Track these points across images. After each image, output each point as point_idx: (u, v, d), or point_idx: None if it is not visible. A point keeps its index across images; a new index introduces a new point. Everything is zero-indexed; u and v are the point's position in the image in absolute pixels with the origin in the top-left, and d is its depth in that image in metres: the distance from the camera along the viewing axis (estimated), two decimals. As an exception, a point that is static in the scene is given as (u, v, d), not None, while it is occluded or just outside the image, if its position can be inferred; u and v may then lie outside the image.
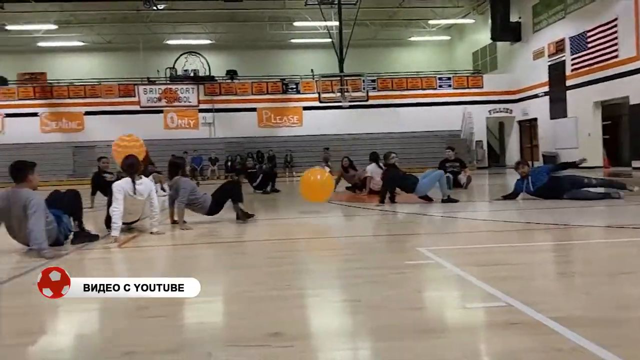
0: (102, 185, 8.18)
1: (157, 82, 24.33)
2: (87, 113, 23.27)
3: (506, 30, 23.35)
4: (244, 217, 6.02)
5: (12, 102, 23.03)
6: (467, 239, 4.63)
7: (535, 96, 22.60)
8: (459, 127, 24.26)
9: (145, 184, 5.31)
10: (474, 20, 26.74)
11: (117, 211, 4.88)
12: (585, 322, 2.12)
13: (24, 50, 26.82)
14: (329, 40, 22.12)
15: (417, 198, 7.59)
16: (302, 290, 2.93)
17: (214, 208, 6.01)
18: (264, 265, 3.66)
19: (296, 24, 25.83)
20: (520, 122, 24.47)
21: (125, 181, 5.14)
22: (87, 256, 4.39)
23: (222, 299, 2.84)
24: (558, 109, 20.89)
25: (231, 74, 25.42)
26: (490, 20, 23.82)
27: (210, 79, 24.67)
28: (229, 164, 21.88)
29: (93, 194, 8.41)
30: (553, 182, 7.29)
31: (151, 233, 5.22)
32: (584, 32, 18.96)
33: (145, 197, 5.23)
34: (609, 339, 1.89)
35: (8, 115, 22.86)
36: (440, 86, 24.87)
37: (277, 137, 23.85)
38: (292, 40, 28.39)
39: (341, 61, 21.21)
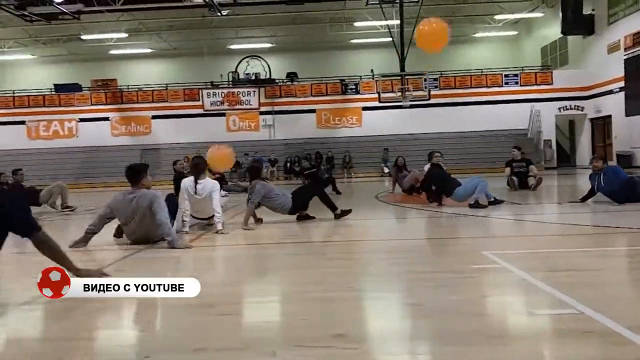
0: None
1: (220, 86, 25.12)
2: (154, 117, 24.49)
3: (578, 23, 22.03)
4: (340, 214, 6.22)
5: (86, 107, 24.65)
6: (534, 243, 4.42)
7: (610, 92, 21.15)
8: (526, 125, 23.20)
9: (206, 184, 5.58)
10: (543, 14, 25.46)
11: (182, 208, 5.31)
12: None
13: (97, 58, 28.69)
14: (390, 39, 21.88)
15: (468, 206, 6.98)
16: (364, 292, 2.92)
17: (295, 208, 6.19)
18: (324, 267, 3.69)
19: (357, 24, 25.79)
20: (592, 119, 23.01)
21: (189, 180, 5.55)
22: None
23: (285, 299, 2.88)
24: (635, 105, 19.41)
25: (291, 76, 25.81)
26: (560, 14, 22.57)
27: (270, 81, 25.17)
28: (288, 165, 22.20)
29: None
30: (628, 183, 6.84)
31: (216, 232, 5.39)
32: (665, 22, 17.54)
33: (204, 196, 5.50)
34: None
35: (82, 119, 24.49)
36: (506, 83, 23.92)
37: (336, 138, 23.91)
38: (352, 41, 28.37)
39: (402, 60, 20.90)
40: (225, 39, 27.88)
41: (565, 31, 22.80)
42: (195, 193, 5.51)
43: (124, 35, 25.85)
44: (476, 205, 6.89)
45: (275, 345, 2.03)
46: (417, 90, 21.24)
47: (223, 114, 24.36)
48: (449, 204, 7.26)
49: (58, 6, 20.02)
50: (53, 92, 25.09)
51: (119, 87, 25.71)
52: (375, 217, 6.91)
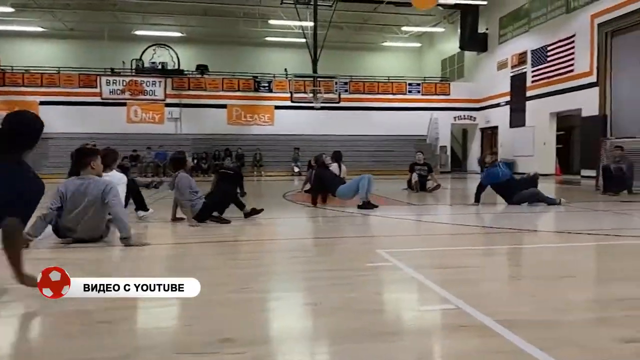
0: None
1: (121, 74, 23.72)
2: (43, 103, 22.06)
3: (473, 41, 24.04)
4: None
5: (-39, 89, 22.01)
6: (426, 242, 4.78)
7: (498, 105, 23.37)
8: (425, 132, 24.79)
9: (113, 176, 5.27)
10: (444, 29, 27.37)
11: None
12: (527, 324, 2.26)
13: (-25, 34, 25.58)
14: (304, 40, 22.20)
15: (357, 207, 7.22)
16: (261, 293, 2.92)
17: (203, 212, 5.89)
18: (225, 267, 3.66)
19: (271, 21, 25.76)
20: (482, 129, 25.22)
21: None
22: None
23: (178, 303, 2.69)
24: (518, 118, 21.70)
25: (201, 68, 25.10)
26: (459, 30, 24.48)
27: (179, 72, 24.29)
28: (195, 161, 21.60)
29: None
30: (511, 181, 7.87)
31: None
32: (544, 46, 19.75)
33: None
34: (546, 341, 2.02)
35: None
36: (409, 91, 25.35)
37: (247, 135, 23.73)
38: (267, 38, 28.28)
39: (315, 62, 21.34)
40: (130, 23, 26.36)
41: (462, 46, 24.78)
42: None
43: (10, 9, 23.31)
44: (365, 206, 7.08)
45: (155, 354, 1.95)
46: (328, 92, 21.78)
47: (124, 104, 23.00)
48: (350, 204, 7.56)
49: None
50: None
51: (1, 67, 23.18)
52: (280, 216, 7.01)
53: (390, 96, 25.12)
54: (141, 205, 6.30)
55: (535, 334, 2.11)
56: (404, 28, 27.92)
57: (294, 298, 2.87)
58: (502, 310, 2.46)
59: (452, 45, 26.31)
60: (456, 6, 23.69)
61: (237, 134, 23.59)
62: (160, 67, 24.10)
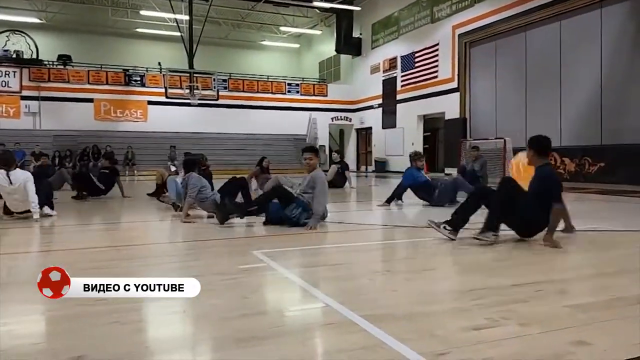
0: None
1: (-34, 61, 20.70)
2: None
3: (349, 44, 25.14)
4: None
5: None
6: (303, 241, 4.81)
7: (371, 107, 24.74)
8: (304, 131, 25.32)
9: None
10: (321, 32, 28.20)
11: None
12: (390, 318, 2.35)
13: None
14: (179, 34, 21.29)
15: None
16: (120, 304, 2.62)
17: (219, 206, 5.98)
18: (81, 277, 3.31)
19: (143, 12, 24.28)
20: (358, 129, 26.52)
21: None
22: None
23: (24, 320, 2.46)
24: (389, 120, 23.19)
25: (64, 59, 22.83)
26: (335, 34, 25.39)
27: (37, 62, 21.83)
28: (57, 159, 19.56)
29: None
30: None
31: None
32: (412, 53, 21.34)
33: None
34: (406, 333, 2.11)
35: None
36: (289, 91, 25.68)
37: (117, 132, 22.11)
38: (138, 30, 26.63)
39: (191, 57, 20.56)
40: (-24, 5, 23.07)
41: (338, 50, 25.78)
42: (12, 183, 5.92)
43: None
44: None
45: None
46: (205, 89, 21.22)
47: (-32, 96, 20.14)
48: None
49: None
50: None
51: None
52: (145, 220, 6.60)
53: (270, 95, 25.23)
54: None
55: (396, 327, 2.20)
56: (283, 28, 28.22)
57: (158, 307, 2.66)
58: (366, 306, 2.53)
59: (329, 48, 27.22)
60: (332, 10, 24.54)
61: (106, 130, 21.86)
62: (14, 55, 21.42)
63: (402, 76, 22.17)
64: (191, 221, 6.00)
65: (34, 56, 22.27)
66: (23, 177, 6.03)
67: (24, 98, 21.07)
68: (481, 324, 2.28)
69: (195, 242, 4.95)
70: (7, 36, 22.13)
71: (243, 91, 24.82)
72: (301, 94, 25.83)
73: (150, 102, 22.88)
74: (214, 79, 21.55)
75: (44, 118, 21.36)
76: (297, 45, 31.12)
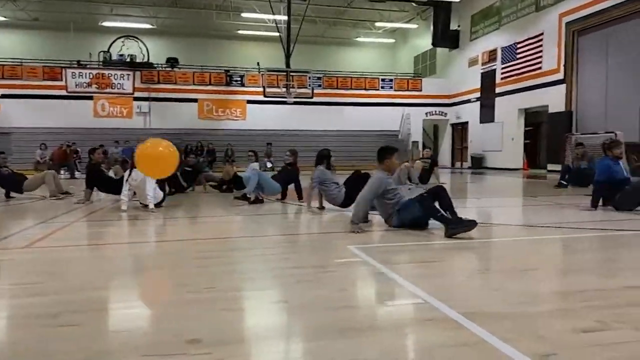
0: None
1: (88, 66, 23.08)
2: (4, 96, 21.44)
3: (446, 37, 24.36)
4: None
5: None
6: (397, 237, 4.78)
7: (468, 101, 23.76)
8: (397, 127, 25.00)
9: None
10: (417, 26, 27.61)
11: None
12: (490, 316, 2.28)
13: None
14: (277, 34, 22.04)
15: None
16: (227, 292, 2.84)
17: (348, 200, 6.37)
18: (188, 266, 3.56)
19: (244, 14, 25.48)
20: (453, 125, 25.62)
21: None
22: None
23: (142, 304, 2.70)
24: (487, 114, 22.12)
25: (172, 61, 24.68)
26: (432, 27, 24.73)
27: (148, 65, 23.81)
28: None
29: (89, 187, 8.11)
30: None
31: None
32: (514, 44, 20.15)
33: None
34: (508, 333, 2.05)
35: None
36: (382, 87, 25.50)
37: (219, 130, 23.45)
38: (239, 32, 27.98)
39: (288, 56, 21.20)
40: (98, 14, 25.66)
41: (434, 43, 25.07)
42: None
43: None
44: (243, 197, 7.74)
45: (124, 356, 1.90)
46: (301, 87, 21.71)
47: (90, 97, 22.40)
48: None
49: None
50: None
51: (-41, 58, 22.25)
52: (241, 213, 6.92)
53: (363, 91, 25.23)
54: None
55: (498, 326, 2.13)
56: (378, 24, 28.05)
57: (261, 296, 2.81)
58: (468, 304, 2.48)
59: (425, 42, 26.59)
60: (429, 3, 23.92)
61: (209, 129, 23.29)
62: (128, 59, 23.56)
63: (502, 68, 21.06)
64: (316, 211, 6.49)
65: (146, 60, 24.29)
66: (140, 176, 6.73)
67: (136, 99, 23.01)
68: (591, 326, 2.15)
69: (291, 236, 5.13)
70: (122, 42, 24.31)
71: (337, 88, 25.09)
72: (395, 90, 25.53)
73: (249, 101, 23.97)
74: (309, 77, 22.02)
75: (153, 117, 23.23)
76: (392, 40, 30.79)
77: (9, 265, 3.61)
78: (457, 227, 4.43)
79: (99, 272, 3.38)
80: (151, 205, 6.66)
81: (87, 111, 22.18)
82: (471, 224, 4.43)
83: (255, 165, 9.80)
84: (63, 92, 22.05)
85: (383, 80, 25.70)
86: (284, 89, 21.00)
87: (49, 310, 2.43)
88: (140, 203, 7.01)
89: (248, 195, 7.73)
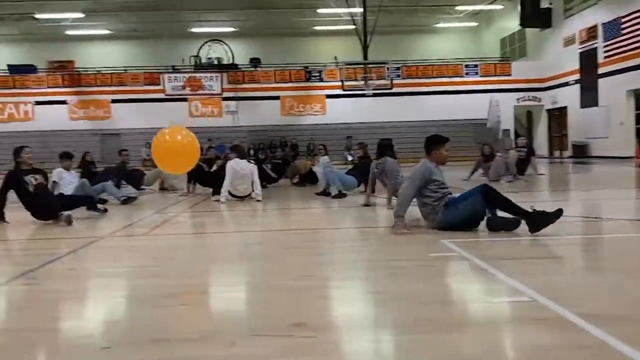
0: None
1: (181, 71, 24.48)
2: (114, 101, 23.67)
3: (536, 16, 22.71)
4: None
5: (42, 90, 23.56)
6: (480, 233, 4.51)
7: (566, 84, 21.99)
8: (485, 115, 23.83)
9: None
10: (502, 6, 26.06)
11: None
12: (609, 318, 2.08)
13: (53, 38, 27.38)
14: (353, 27, 21.92)
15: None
16: (326, 281, 2.92)
17: None
18: (285, 256, 3.69)
19: (320, 10, 25.60)
20: (549, 110, 23.88)
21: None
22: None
23: (245, 289, 2.87)
24: (589, 97, 20.30)
25: (254, 62, 25.47)
26: (519, 6, 23.19)
27: (233, 67, 24.77)
28: (252, 152, 21.98)
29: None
30: None
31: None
32: (617, 18, 18.30)
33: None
34: (634, 336, 1.85)
35: (38, 102, 23.43)
36: (466, 74, 24.43)
37: (300, 125, 23.87)
38: (316, 28, 28.20)
39: (365, 48, 21.02)
40: (187, 21, 27.10)
41: (523, 23, 23.46)
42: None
43: (80, 15, 24.72)
44: (323, 193, 7.71)
45: (234, 335, 2.03)
46: (380, 78, 21.41)
47: (185, 99, 23.81)
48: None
49: (7, -18, 18.98)
50: (7, 73, 23.83)
51: (76, 70, 24.62)
52: (333, 205, 6.95)
53: (446, 79, 24.33)
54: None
55: (621, 329, 1.94)
56: (459, 7, 26.85)
57: (357, 286, 2.82)
58: (582, 304, 2.29)
59: (512, 23, 25.02)
60: (516, -19, 22.50)
61: (291, 124, 23.79)
62: (216, 62, 24.70)
63: (604, 46, 19.21)
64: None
65: (231, 61, 25.32)
66: (250, 168, 7.01)
67: (224, 99, 24.10)
68: None
69: (378, 228, 5.05)
70: (209, 46, 25.53)
71: (417, 77, 24.44)
72: (480, 75, 24.33)
73: (328, 96, 24.10)
74: (388, 68, 21.64)
75: (240, 115, 24.15)
76: (474, 24, 29.34)
77: (132, 249, 4.10)
78: (542, 220, 3.93)
79: (206, 258, 3.70)
80: (258, 196, 6.98)
81: (182, 112, 23.60)
82: (559, 213, 3.94)
83: (326, 159, 9.85)
84: (161, 95, 23.67)
85: (467, 66, 24.60)
86: (363, 82, 20.87)
87: (165, 291, 2.68)
88: (232, 195, 7.23)
89: (328, 191, 7.74)
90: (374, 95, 21.60)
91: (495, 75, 24.26)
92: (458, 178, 10.21)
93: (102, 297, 2.75)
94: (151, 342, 1.98)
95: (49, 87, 23.62)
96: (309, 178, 9.95)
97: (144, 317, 2.31)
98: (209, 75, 24.00)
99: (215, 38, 25.97)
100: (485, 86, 23.92)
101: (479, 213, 4.22)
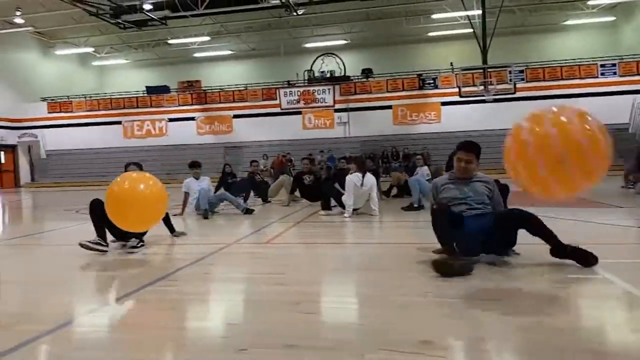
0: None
1: (296, 85, 25.38)
2: (236, 116, 25.27)
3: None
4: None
5: (174, 108, 25.99)
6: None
7: None
8: (627, 119, 21.14)
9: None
10: (645, -4, 23.08)
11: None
12: None
13: (183, 60, 30.28)
14: (470, 30, 20.86)
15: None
16: (444, 298, 2.70)
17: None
18: (398, 269, 3.46)
19: (434, 16, 24.90)
20: None
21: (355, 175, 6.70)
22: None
23: (368, 302, 2.75)
24: None
25: (366, 72, 25.50)
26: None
27: (345, 78, 25.05)
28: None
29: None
30: None
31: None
32: None
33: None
34: None
35: (170, 119, 25.85)
36: (602, 74, 21.95)
37: (413, 134, 23.27)
38: (430, 34, 27.47)
39: (485, 52, 19.86)
40: (301, 37, 28.16)
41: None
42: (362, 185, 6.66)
43: (207, 38, 26.97)
44: (410, 207, 7.33)
45: (362, 348, 2.02)
46: (501, 83, 20.10)
47: (299, 112, 24.61)
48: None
49: (147, 13, 21.26)
50: (145, 94, 26.74)
51: (203, 88, 26.80)
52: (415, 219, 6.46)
53: (578, 81, 22.06)
54: None
55: None
56: (591, 2, 24.32)
57: (484, 307, 2.52)
58: None
59: (657, 14, 22.02)
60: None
61: (403, 134, 23.31)
62: (328, 75, 25.21)
63: None
64: None
65: (342, 73, 25.67)
66: (371, 182, 6.69)
67: (336, 110, 24.51)
68: None
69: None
70: (322, 60, 26.27)
71: (544, 80, 22.50)
72: (620, 75, 21.66)
73: (443, 103, 23.21)
74: (510, 72, 20.19)
75: (352, 126, 24.31)
76: (611, 18, 26.34)
77: (256, 257, 4.25)
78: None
79: (326, 267, 3.70)
80: (374, 211, 6.69)
81: (297, 124, 24.48)
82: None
83: (425, 169, 9.27)
84: (277, 110, 24.78)
85: (603, 65, 22.07)
86: (482, 87, 19.71)
87: (292, 299, 2.75)
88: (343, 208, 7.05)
89: (415, 205, 7.30)
90: (495, 100, 20.30)
91: (637, 75, 21.45)
92: (616, 190, 9.09)
93: (235, 301, 2.88)
94: (285, 347, 2.04)
95: (179, 105, 25.96)
96: (405, 190, 9.44)
97: (275, 322, 2.39)
98: (321, 88, 24.55)
99: (328, 52, 26.55)
100: (626, 87, 21.27)
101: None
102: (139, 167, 5.23)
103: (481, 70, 19.98)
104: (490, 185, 3.75)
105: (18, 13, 21.53)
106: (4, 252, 5.01)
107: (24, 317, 2.59)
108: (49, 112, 26.62)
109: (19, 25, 23.30)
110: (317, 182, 9.01)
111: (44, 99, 27.10)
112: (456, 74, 21.70)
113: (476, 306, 2.54)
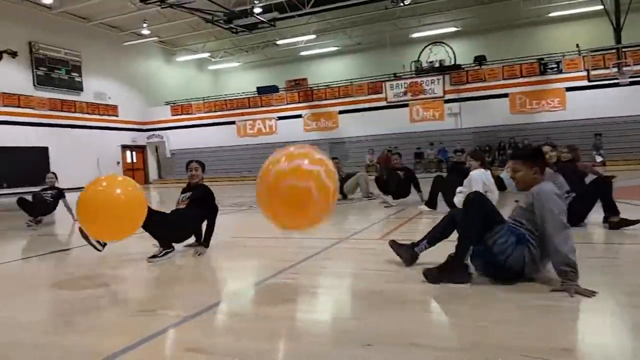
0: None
1: (402, 77, 24.75)
2: (341, 112, 25.30)
3: None
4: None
5: (282, 107, 26.72)
6: None
7: None
8: None
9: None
10: None
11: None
12: None
13: (290, 60, 31.10)
14: (600, 7, 18.79)
15: None
16: (577, 303, 2.51)
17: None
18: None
19: (558, -6, 22.82)
20: None
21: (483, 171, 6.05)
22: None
23: (500, 305, 2.57)
24: None
25: (479, 59, 24.08)
26: None
27: (456, 67, 23.87)
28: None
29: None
30: None
31: None
32: None
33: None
34: None
35: (280, 118, 26.64)
36: None
37: (534, 123, 21.50)
38: (551, 14, 25.25)
39: (618, 30, 17.79)
40: (407, 28, 27.40)
41: None
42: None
43: (313, 36, 27.36)
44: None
45: (496, 352, 1.95)
46: (638, 63, 18.00)
47: (406, 105, 23.97)
48: None
49: (257, 16, 22.07)
50: (256, 94, 27.87)
51: (309, 86, 27.28)
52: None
53: None
54: None
55: None
56: None
57: (605, 316, 2.33)
58: None
59: None
60: None
61: (522, 123, 21.63)
62: (437, 65, 24.26)
63: None
64: None
65: (453, 62, 24.48)
66: (492, 180, 6.09)
67: (446, 101, 23.37)
68: None
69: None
70: (430, 49, 25.30)
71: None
72: None
73: (568, 89, 21.14)
74: (650, 49, 17.90)
75: (463, 117, 23.09)
76: None
77: (367, 252, 4.25)
78: None
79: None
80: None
81: (404, 117, 23.87)
82: None
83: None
84: (383, 103, 24.35)
85: None
86: (615, 69, 17.72)
87: (407, 297, 2.73)
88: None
89: None
90: (632, 83, 18.13)
91: None
92: None
93: (353, 295, 2.91)
94: (409, 345, 2.04)
95: (287, 104, 26.64)
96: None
97: (394, 319, 2.38)
98: (430, 78, 23.65)
99: (436, 40, 25.56)
100: None
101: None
102: (202, 165, 4.83)
103: (614, 51, 17.97)
104: (530, 197, 2.89)
105: (144, 25, 23.52)
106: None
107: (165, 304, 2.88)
108: (172, 115, 28.84)
109: (146, 37, 25.50)
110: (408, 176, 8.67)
111: (167, 103, 29.42)
112: (583, 57, 19.67)
113: (621, 314, 2.10)
